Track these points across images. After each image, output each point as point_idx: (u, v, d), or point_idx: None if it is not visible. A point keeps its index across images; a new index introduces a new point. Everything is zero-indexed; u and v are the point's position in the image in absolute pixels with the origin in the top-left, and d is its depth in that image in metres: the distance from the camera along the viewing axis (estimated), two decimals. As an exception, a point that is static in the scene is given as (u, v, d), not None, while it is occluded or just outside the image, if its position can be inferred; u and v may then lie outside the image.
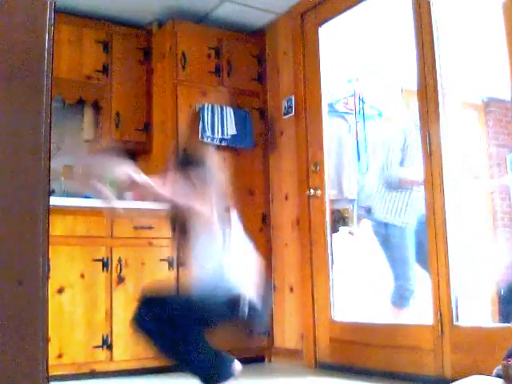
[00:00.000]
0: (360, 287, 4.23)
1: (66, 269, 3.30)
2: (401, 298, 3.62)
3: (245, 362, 3.55)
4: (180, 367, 2.56)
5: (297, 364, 3.68)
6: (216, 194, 2.55)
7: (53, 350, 3.15)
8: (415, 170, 3.60)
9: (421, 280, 3.60)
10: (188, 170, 2.57)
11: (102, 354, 3.34)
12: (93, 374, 3.30)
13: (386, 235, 3.75)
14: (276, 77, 4.18)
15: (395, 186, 3.72)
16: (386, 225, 3.74)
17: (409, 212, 3.66)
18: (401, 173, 3.71)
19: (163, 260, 3.62)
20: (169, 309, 2.39)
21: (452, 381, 2.31)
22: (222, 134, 3.89)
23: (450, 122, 3.19)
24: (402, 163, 3.72)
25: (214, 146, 3.92)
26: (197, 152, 3.17)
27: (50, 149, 0.92)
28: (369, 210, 3.90)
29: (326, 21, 3.79)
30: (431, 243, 2.99)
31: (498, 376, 1.95)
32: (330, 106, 4.56)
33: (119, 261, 3.47)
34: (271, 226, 4.12)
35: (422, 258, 3.55)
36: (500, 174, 5.50)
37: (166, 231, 3.68)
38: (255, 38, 4.31)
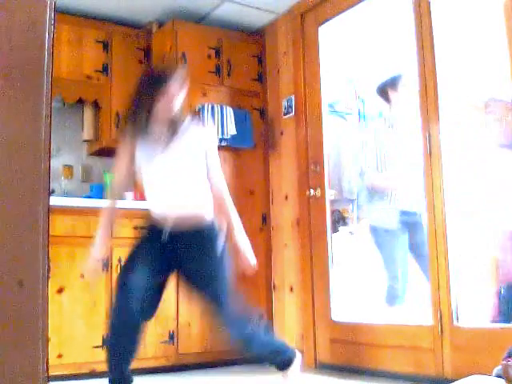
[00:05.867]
0: (360, 287, 4.23)
1: (66, 269, 3.30)
2: (391, 297, 3.65)
3: (245, 361, 3.56)
4: None
5: (297, 364, 3.67)
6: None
7: (53, 350, 3.15)
8: (387, 175, 3.65)
9: (413, 278, 3.66)
10: None
11: (102, 354, 3.33)
12: (93, 374, 3.29)
13: (376, 237, 3.78)
14: (276, 77, 4.18)
15: (373, 192, 3.75)
16: (374, 228, 3.77)
17: (391, 215, 3.67)
18: (374, 180, 3.72)
19: (163, 260, 3.62)
20: None
21: (452, 381, 2.31)
22: (222, 134, 3.89)
23: (450, 122, 3.19)
24: (377, 167, 3.73)
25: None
26: None
27: (50, 149, 0.92)
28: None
29: (325, 21, 3.79)
30: (431, 243, 2.99)
31: (498, 376, 1.95)
32: (330, 106, 4.56)
33: (119, 261, 3.46)
34: (271, 226, 4.12)
35: (415, 248, 3.63)
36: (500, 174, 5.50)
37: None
38: (255, 37, 4.31)
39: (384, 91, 3.82)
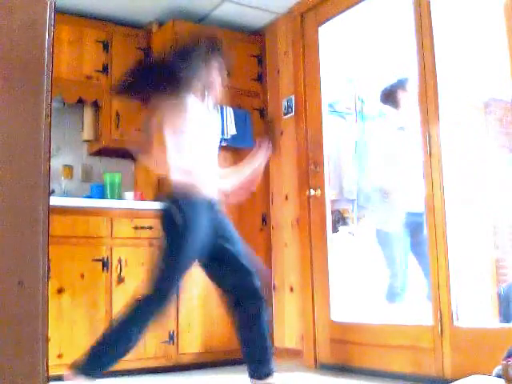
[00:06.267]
0: (360, 287, 4.23)
1: (66, 269, 3.30)
2: (391, 294, 3.66)
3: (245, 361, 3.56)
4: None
5: (297, 364, 3.68)
6: None
7: (53, 350, 3.15)
8: (395, 179, 3.67)
9: (413, 276, 3.68)
10: None
11: (102, 354, 3.34)
12: (93, 374, 3.29)
13: (379, 237, 3.79)
14: (276, 77, 4.18)
15: (380, 193, 3.76)
16: (378, 230, 3.79)
17: (395, 218, 3.69)
18: (383, 183, 3.74)
19: (163, 260, 3.62)
20: None
21: (452, 381, 2.31)
22: (222, 134, 3.89)
23: (450, 122, 3.19)
24: (385, 169, 3.74)
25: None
26: None
27: (50, 149, 0.92)
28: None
29: (326, 21, 3.79)
30: (431, 243, 2.99)
31: (498, 376, 1.95)
32: (330, 106, 4.56)
33: (119, 261, 3.46)
34: (271, 226, 4.12)
35: (416, 247, 3.64)
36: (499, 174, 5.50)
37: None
38: (255, 38, 4.31)
39: (392, 94, 3.81)
